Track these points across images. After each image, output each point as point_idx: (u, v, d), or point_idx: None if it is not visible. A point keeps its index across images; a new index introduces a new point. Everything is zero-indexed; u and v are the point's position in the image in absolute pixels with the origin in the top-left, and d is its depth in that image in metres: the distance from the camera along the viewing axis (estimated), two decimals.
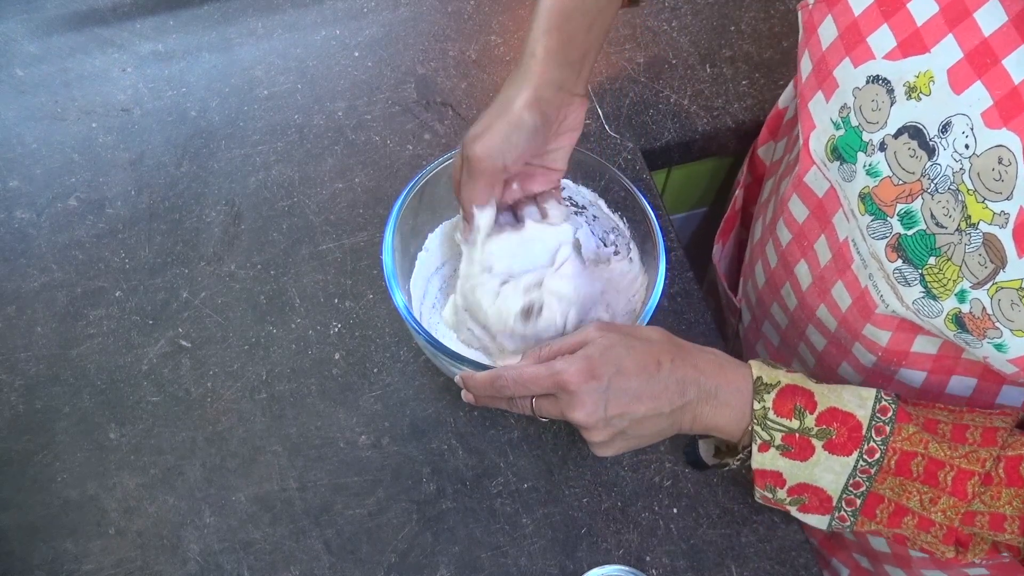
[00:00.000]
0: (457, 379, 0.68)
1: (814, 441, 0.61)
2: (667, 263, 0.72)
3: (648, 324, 0.68)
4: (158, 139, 0.93)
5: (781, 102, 0.86)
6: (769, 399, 0.62)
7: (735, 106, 0.99)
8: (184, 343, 0.82)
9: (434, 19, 1.02)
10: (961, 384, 0.68)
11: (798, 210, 0.74)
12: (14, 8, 1.00)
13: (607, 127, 0.96)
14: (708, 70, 1.01)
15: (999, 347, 0.58)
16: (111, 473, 0.76)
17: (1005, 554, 0.65)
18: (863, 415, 0.61)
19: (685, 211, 1.20)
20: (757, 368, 0.63)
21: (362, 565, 0.73)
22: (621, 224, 0.78)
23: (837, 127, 0.65)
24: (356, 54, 0.99)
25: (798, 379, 0.63)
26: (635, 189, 0.75)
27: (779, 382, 0.62)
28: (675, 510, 0.76)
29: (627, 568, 0.71)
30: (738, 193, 0.94)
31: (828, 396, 0.62)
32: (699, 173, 1.11)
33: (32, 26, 1.00)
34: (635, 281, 0.76)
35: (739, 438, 0.64)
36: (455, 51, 1.00)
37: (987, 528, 0.61)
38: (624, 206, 0.77)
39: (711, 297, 1.02)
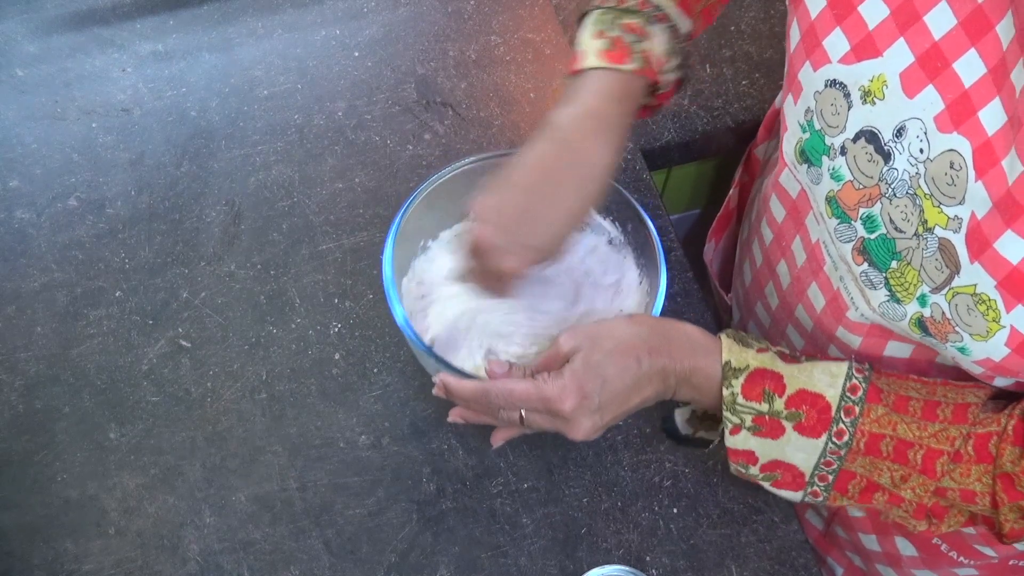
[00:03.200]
0: (437, 383, 0.66)
1: (784, 423, 0.62)
2: (668, 275, 0.72)
3: None
4: (158, 139, 0.93)
5: (778, 101, 0.86)
6: (738, 384, 0.62)
7: (735, 106, 0.99)
8: (184, 343, 0.82)
9: (434, 19, 1.02)
10: None
11: (777, 210, 0.75)
12: (14, 8, 1.00)
13: None
14: (708, 70, 1.01)
15: (962, 350, 0.58)
16: (111, 473, 0.76)
17: (972, 529, 0.65)
18: (833, 395, 0.61)
19: (685, 211, 1.20)
20: (727, 350, 0.63)
21: (362, 565, 0.73)
22: (614, 230, 0.78)
23: (804, 130, 0.65)
24: (356, 54, 0.99)
25: (767, 361, 0.63)
26: (631, 198, 0.74)
27: (748, 365, 0.62)
28: (675, 510, 0.76)
29: (627, 568, 0.71)
30: (733, 192, 0.94)
31: (798, 377, 0.62)
32: (699, 173, 1.11)
33: (32, 26, 1.00)
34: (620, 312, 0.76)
35: (716, 411, 0.65)
36: (455, 51, 1.00)
37: (959, 501, 0.61)
38: (620, 211, 0.77)
39: (712, 297, 1.02)
